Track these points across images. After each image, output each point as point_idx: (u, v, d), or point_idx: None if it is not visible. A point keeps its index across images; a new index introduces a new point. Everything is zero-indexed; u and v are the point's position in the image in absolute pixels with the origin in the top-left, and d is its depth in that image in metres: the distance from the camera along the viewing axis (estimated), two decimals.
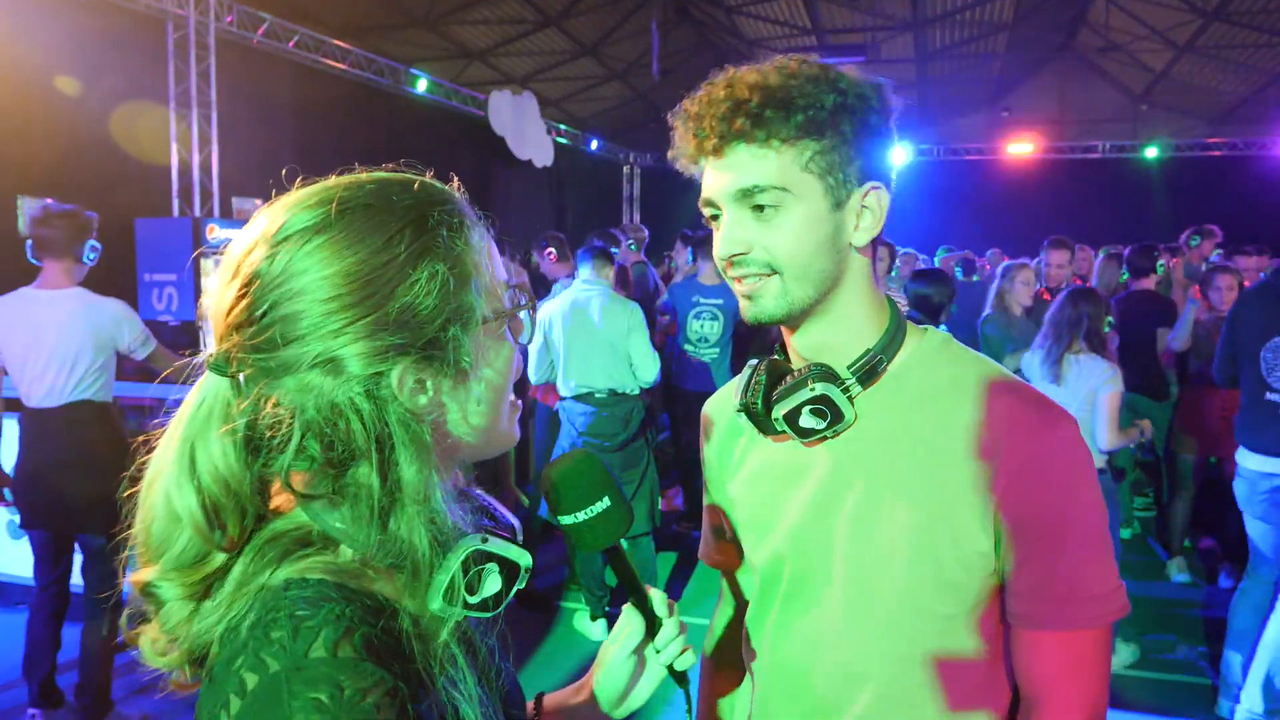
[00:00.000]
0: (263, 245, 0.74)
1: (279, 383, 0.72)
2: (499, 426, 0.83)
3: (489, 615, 0.79)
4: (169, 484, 0.74)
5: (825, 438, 1.09)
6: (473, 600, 0.76)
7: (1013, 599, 1.06)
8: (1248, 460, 3.57)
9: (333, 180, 0.79)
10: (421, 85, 10.93)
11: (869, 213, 1.06)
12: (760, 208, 1.02)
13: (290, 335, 0.72)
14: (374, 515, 0.72)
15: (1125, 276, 6.27)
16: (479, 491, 0.90)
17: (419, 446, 0.74)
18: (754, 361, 1.16)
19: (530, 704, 1.01)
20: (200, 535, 0.72)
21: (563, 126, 14.22)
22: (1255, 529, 3.59)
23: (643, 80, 12.92)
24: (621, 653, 1.00)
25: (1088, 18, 12.57)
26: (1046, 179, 15.08)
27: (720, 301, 5.77)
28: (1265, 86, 12.64)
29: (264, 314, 0.72)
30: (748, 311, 1.08)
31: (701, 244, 5.97)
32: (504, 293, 0.82)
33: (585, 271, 4.51)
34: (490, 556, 0.77)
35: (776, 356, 1.17)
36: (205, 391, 0.76)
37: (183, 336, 6.49)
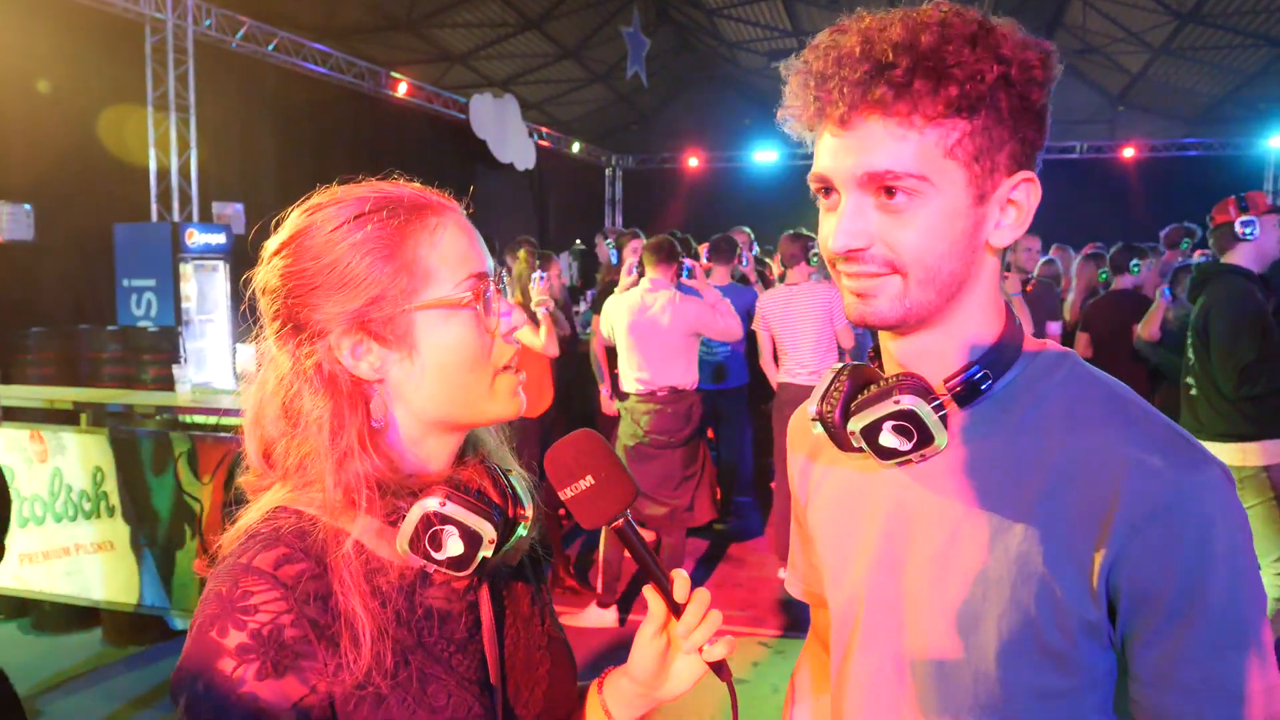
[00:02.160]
0: (277, 234, 0.94)
1: (277, 339, 0.92)
2: (462, 397, 0.92)
3: (453, 574, 0.89)
4: (247, 427, 0.95)
5: (910, 461, 0.91)
6: (438, 556, 0.87)
7: (1131, 684, 0.86)
8: None
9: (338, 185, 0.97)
10: (402, 88, 10.89)
11: (1015, 209, 0.89)
12: (891, 193, 0.85)
13: (273, 300, 0.92)
14: (312, 451, 0.89)
15: (1104, 275, 6.36)
16: (501, 472, 0.98)
17: (337, 397, 0.89)
18: (838, 365, 0.99)
19: (595, 680, 1.08)
20: (258, 471, 0.94)
21: (544, 129, 14.21)
22: None
23: (624, 83, 12.93)
24: (646, 631, 0.97)
25: (1065, 20, 12.67)
26: None
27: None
28: (1239, 87, 12.77)
29: (264, 281, 0.93)
30: (854, 310, 0.91)
31: (715, 247, 6.01)
32: (454, 281, 0.91)
33: (651, 271, 4.66)
34: (448, 520, 0.87)
35: (868, 362, 1.02)
36: (270, 355, 0.95)
37: (163, 342, 6.43)
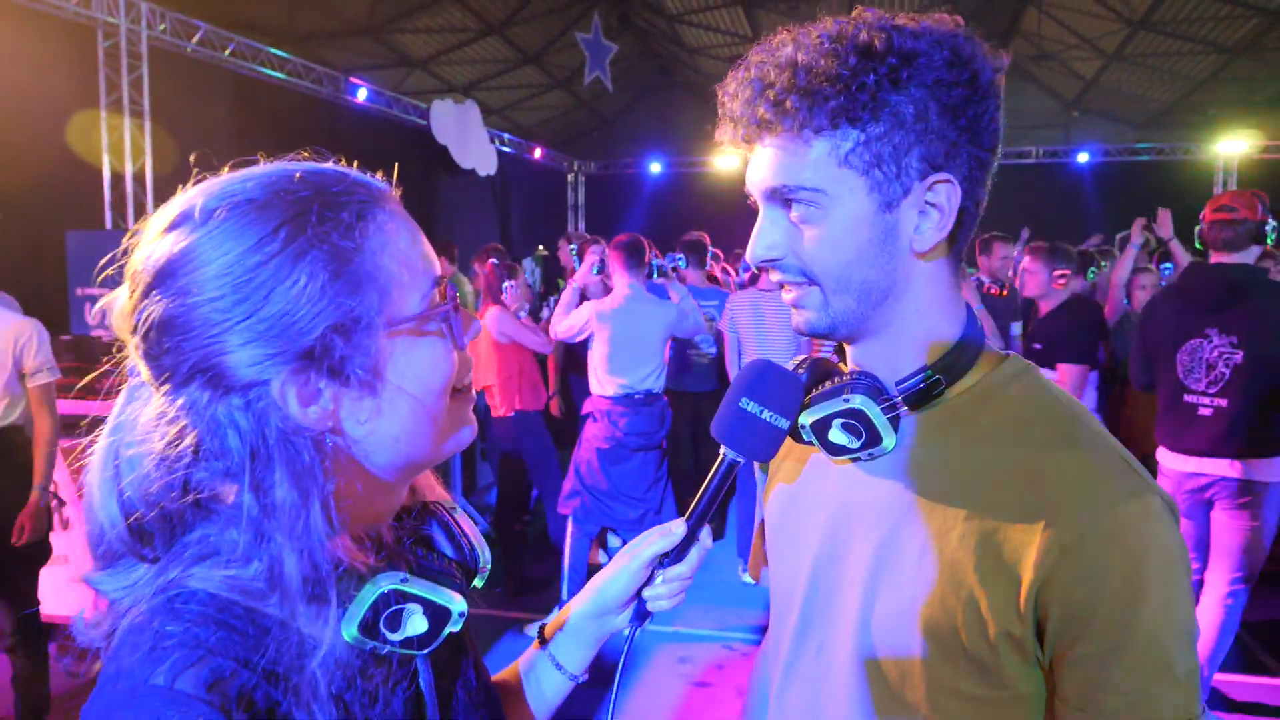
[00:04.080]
0: (148, 243, 0.72)
1: (169, 391, 0.71)
2: (431, 433, 0.77)
3: (414, 653, 0.74)
4: (96, 494, 0.73)
5: (857, 458, 0.93)
6: (394, 637, 0.72)
7: (1058, 704, 0.86)
8: (1170, 460, 3.58)
9: (225, 174, 0.75)
10: (362, 94, 10.80)
11: (935, 211, 0.87)
12: (789, 207, 0.88)
13: (165, 344, 0.70)
14: (253, 537, 0.69)
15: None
16: (448, 516, 0.86)
17: (296, 468, 0.69)
18: (800, 357, 1.01)
19: (536, 640, 1.04)
20: (125, 546, 0.72)
21: (506, 135, 14.16)
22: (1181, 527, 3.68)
23: (586, 88, 12.93)
24: (641, 557, 0.98)
25: (1020, 27, 12.87)
26: None
27: (715, 303, 5.93)
28: (1189, 93, 13.04)
29: (143, 318, 0.70)
30: (794, 320, 0.95)
31: (691, 248, 6.05)
32: (420, 293, 0.75)
33: (623, 274, 4.75)
34: (410, 597, 0.72)
35: (833, 355, 1.04)
36: (129, 396, 0.76)
37: (118, 352, 6.31)
